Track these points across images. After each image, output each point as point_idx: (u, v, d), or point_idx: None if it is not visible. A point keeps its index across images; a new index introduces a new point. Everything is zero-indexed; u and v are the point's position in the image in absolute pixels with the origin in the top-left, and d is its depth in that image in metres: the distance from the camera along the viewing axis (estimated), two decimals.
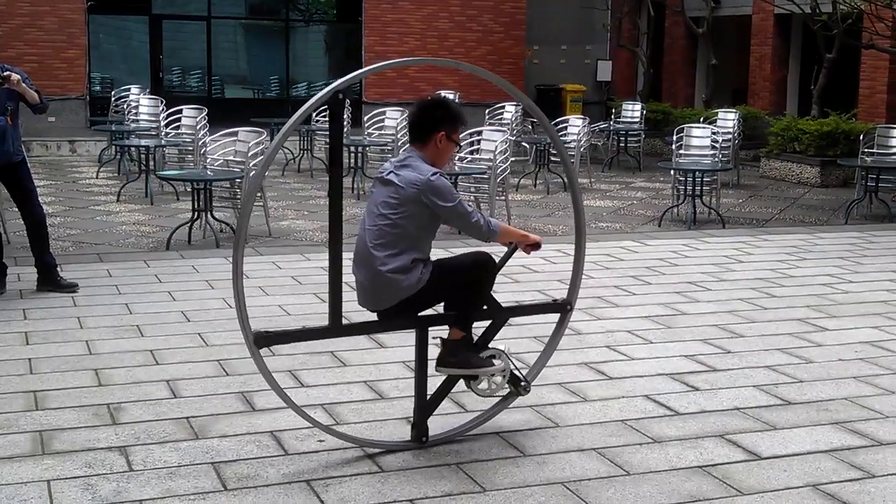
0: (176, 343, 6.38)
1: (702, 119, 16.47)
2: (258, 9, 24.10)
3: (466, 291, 4.68)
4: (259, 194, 11.06)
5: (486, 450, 4.76)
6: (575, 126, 15.69)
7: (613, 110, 19.29)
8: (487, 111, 18.07)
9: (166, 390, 5.51)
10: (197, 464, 4.56)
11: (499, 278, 4.99)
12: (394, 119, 15.12)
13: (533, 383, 5.08)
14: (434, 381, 4.86)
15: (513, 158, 15.86)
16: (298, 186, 14.69)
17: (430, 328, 4.77)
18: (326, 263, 8.48)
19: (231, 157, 11.09)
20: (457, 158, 12.14)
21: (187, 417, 5.11)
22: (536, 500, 4.26)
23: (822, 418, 5.24)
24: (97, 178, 14.94)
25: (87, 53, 20.86)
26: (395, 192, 4.52)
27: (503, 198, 12.04)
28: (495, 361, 4.78)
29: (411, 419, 4.90)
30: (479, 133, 12.86)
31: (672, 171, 12.92)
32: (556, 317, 5.28)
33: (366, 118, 15.58)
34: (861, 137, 13.70)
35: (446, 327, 4.81)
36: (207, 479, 4.42)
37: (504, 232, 4.84)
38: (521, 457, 4.70)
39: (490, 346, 4.89)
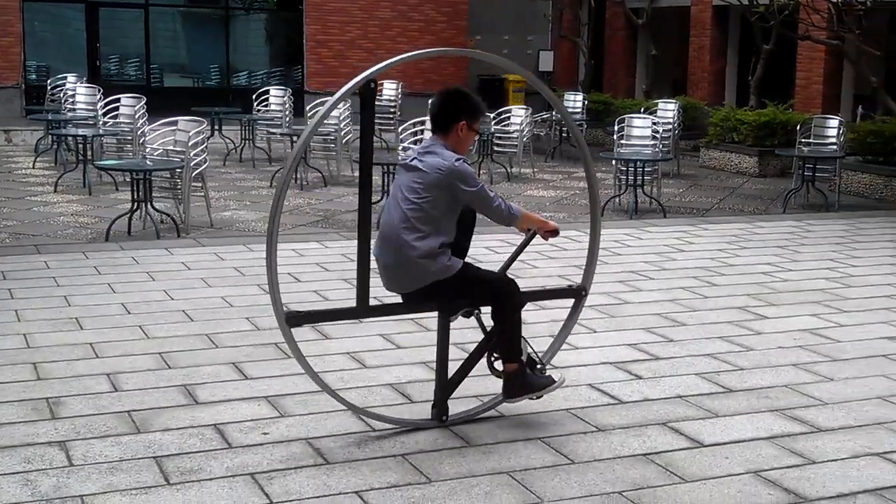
0: (116, 336, 6.28)
1: (642, 109, 16.61)
2: None
3: (504, 325, 4.84)
4: (199, 184, 10.95)
5: (432, 440, 4.76)
6: (517, 116, 15.74)
7: None
8: (430, 101, 18.02)
9: (107, 384, 5.42)
10: (139, 458, 4.50)
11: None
12: (337, 108, 14.98)
13: (472, 376, 5.10)
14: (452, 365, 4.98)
15: None
16: (240, 177, 14.54)
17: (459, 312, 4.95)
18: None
19: (171, 147, 10.93)
20: (401, 147, 12.12)
21: (128, 411, 5.04)
22: (482, 490, 4.27)
23: (763, 405, 5.32)
24: (34, 168, 14.64)
25: (22, 41, 20.44)
26: (420, 177, 4.66)
27: None
28: (555, 377, 5.00)
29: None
30: (423, 123, 12.82)
31: (613, 162, 13.02)
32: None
33: (308, 108, 15.44)
34: (798, 127, 13.93)
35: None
36: (149, 473, 4.36)
37: (524, 217, 4.99)
38: (466, 447, 4.71)
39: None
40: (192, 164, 10.59)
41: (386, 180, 11.27)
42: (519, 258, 5.29)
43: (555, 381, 4.98)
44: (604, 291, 7.67)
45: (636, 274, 8.29)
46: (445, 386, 4.93)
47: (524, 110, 16.01)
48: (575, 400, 5.34)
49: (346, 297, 7.21)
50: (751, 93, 17.09)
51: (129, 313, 6.77)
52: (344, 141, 14.93)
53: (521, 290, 4.99)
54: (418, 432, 4.85)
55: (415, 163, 4.72)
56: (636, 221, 11.15)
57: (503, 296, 4.85)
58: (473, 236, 5.13)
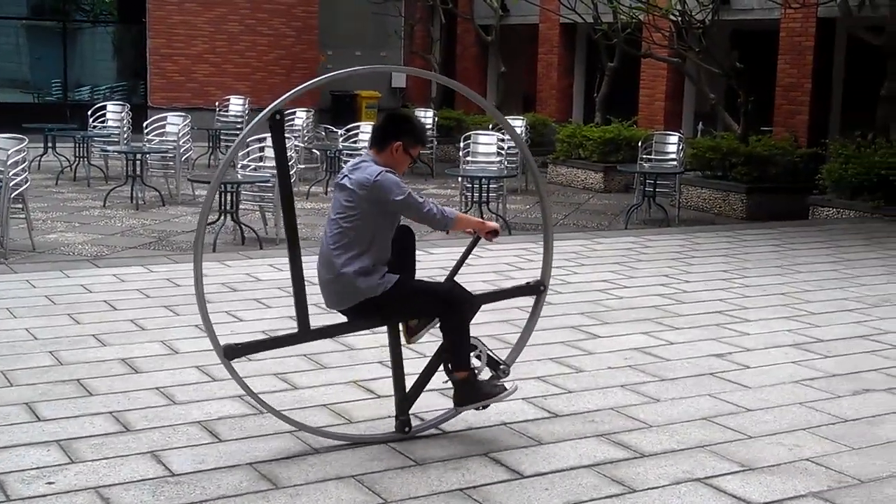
0: None
1: (490, 126, 16.61)
2: (38, 9, 22.77)
3: (451, 335, 4.87)
4: (20, 206, 10.31)
5: (236, 484, 4.43)
6: (366, 133, 15.49)
7: None
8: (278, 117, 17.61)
9: None
10: None
11: None
12: (175, 125, 14.46)
13: (285, 409, 4.80)
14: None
15: (303, 166, 15.57)
16: (72, 196, 13.83)
17: (400, 324, 4.98)
18: (86, 280, 7.99)
19: None
20: (239, 166, 11.72)
21: None
22: None
23: (588, 430, 5.18)
24: None
25: None
26: (349, 195, 4.68)
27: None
28: (507, 385, 4.95)
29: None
30: (263, 140, 12.41)
31: (459, 179, 12.91)
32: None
33: (144, 124, 14.81)
34: (640, 144, 14.12)
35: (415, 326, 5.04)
36: None
37: (460, 220, 4.93)
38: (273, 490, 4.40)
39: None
40: (10, 184, 9.95)
41: (224, 199, 10.85)
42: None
43: (507, 389, 4.93)
44: None
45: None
46: (406, 399, 4.97)
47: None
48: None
49: (163, 326, 6.81)
50: (596, 109, 17.30)
51: None
52: (184, 158, 14.39)
53: (477, 293, 5.11)
54: (224, 472, 4.51)
55: (344, 181, 4.74)
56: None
57: (447, 304, 4.83)
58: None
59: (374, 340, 6.66)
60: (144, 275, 8.38)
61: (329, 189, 14.95)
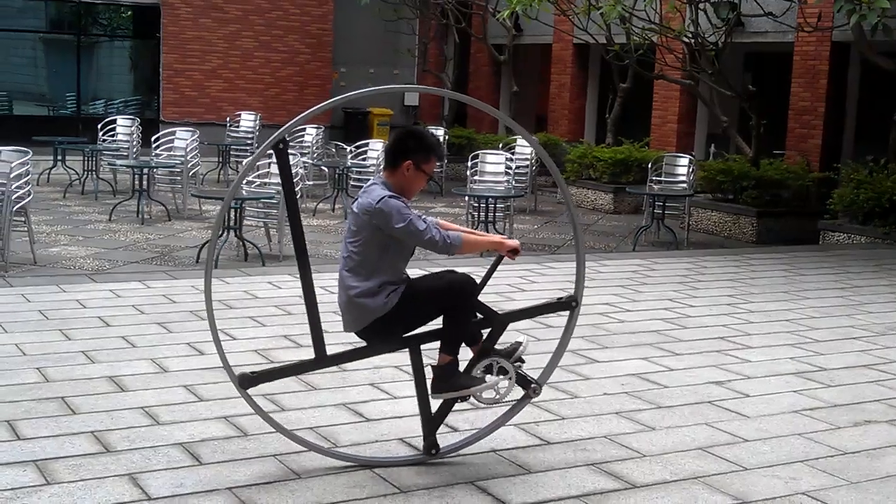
0: None
1: (501, 145, 16.53)
2: (55, 23, 22.86)
3: (445, 318, 4.77)
4: (23, 219, 10.28)
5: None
6: (375, 150, 15.42)
7: None
8: (287, 135, 17.58)
9: None
10: None
11: None
12: (184, 140, 14.44)
13: (269, 432, 4.71)
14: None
15: (311, 183, 15.53)
16: (79, 210, 13.81)
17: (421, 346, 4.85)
18: (82, 295, 7.92)
19: None
20: (245, 183, 11.65)
21: None
22: None
23: (579, 459, 5.05)
24: None
25: None
26: (355, 220, 4.71)
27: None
28: (487, 378, 4.83)
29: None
30: (271, 157, 12.37)
31: (466, 198, 12.83)
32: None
33: (153, 139, 14.78)
34: (650, 165, 14.00)
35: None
36: None
37: (467, 243, 4.80)
38: None
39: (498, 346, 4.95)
40: (13, 197, 9.92)
41: (228, 215, 10.78)
42: None
43: (485, 383, 4.81)
44: None
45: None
46: (431, 420, 4.88)
47: (382, 144, 15.71)
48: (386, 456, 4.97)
49: (155, 344, 6.72)
50: (608, 130, 17.20)
51: None
52: (191, 173, 14.35)
53: (507, 310, 5.12)
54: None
55: (354, 206, 4.76)
56: (482, 259, 10.90)
57: (450, 292, 4.70)
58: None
59: (368, 362, 6.56)
60: (141, 290, 8.31)
61: (337, 206, 14.89)
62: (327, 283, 8.86)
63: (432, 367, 4.83)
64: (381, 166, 4.86)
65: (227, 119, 19.75)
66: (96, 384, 5.83)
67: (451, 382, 4.78)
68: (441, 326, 4.86)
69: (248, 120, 19.12)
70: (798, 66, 15.23)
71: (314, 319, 4.68)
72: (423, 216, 4.74)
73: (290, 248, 11.45)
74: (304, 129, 17.37)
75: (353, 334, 4.86)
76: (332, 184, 15.51)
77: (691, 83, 15.41)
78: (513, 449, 5.16)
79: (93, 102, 22.23)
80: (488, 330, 4.98)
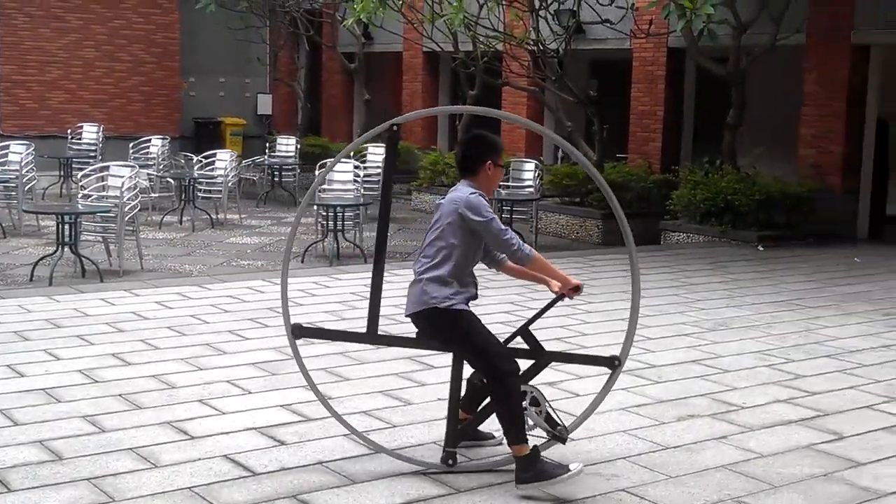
0: None
1: (353, 154, 16.45)
2: None
3: (496, 405, 4.85)
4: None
5: None
6: (222, 161, 15.16)
7: (268, 144, 19.01)
8: (131, 145, 17.13)
9: None
10: None
11: None
12: (18, 153, 13.86)
13: (83, 455, 4.51)
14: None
15: (156, 195, 15.13)
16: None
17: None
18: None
19: None
20: (80, 196, 11.28)
21: None
22: None
23: (406, 467, 5.02)
24: None
25: None
26: (440, 211, 4.95)
27: (133, 237, 11.29)
28: (572, 466, 4.73)
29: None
30: (107, 168, 11.98)
31: (315, 207, 12.71)
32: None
33: None
34: None
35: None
36: None
37: (539, 260, 5.04)
38: None
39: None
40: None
41: (61, 231, 10.40)
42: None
43: (570, 471, 4.70)
44: (273, 346, 7.26)
45: (314, 325, 7.91)
46: (456, 433, 4.96)
47: (229, 154, 15.47)
48: (203, 475, 4.83)
49: None
50: (458, 137, 17.33)
51: None
52: (27, 188, 13.80)
53: (552, 351, 5.30)
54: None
55: (440, 201, 5.04)
56: (331, 269, 10.83)
57: (492, 372, 4.83)
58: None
59: (199, 377, 6.43)
60: None
61: (184, 218, 14.56)
62: (164, 298, 8.65)
63: (515, 458, 4.75)
64: (458, 175, 5.07)
65: (69, 131, 19.10)
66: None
67: (536, 471, 4.69)
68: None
69: (90, 131, 18.56)
70: (637, 72, 15.68)
71: (375, 300, 4.92)
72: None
73: (131, 264, 11.17)
74: (149, 140, 16.94)
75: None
76: (178, 196, 15.17)
77: (536, 90, 15.68)
78: (340, 460, 5.11)
79: None
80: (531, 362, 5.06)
